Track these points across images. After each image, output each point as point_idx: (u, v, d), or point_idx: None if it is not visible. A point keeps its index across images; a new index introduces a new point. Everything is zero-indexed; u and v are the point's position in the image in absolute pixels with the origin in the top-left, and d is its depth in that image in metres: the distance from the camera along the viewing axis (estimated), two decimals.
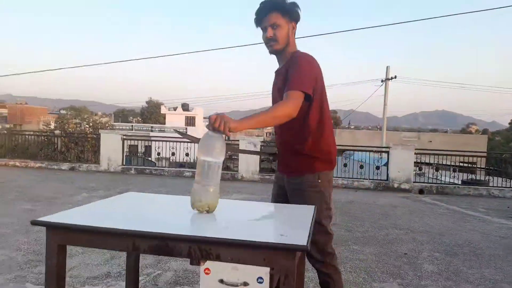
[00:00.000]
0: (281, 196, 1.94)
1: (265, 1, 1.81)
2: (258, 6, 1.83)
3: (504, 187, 8.25)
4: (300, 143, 1.83)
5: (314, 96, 1.78)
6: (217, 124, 1.39)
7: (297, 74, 1.73)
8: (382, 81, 20.42)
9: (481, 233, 4.53)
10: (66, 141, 10.97)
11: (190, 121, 47.30)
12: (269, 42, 1.82)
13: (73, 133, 14.38)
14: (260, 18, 1.82)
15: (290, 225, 1.44)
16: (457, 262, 3.40)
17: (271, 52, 1.88)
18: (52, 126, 18.52)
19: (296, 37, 1.91)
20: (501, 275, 3.11)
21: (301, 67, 1.75)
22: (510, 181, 8.87)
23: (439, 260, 3.43)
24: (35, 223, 1.26)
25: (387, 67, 20.45)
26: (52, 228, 1.28)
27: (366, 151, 10.08)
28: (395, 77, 20.27)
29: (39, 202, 5.10)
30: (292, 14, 1.82)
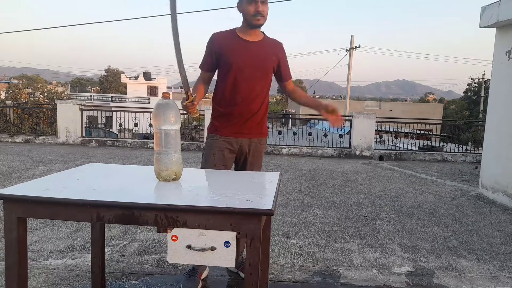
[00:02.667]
0: (230, 159, 2.16)
1: None
2: None
3: (456, 152, 8.79)
4: (264, 113, 2.19)
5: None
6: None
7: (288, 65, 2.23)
8: (346, 50, 20.64)
9: (434, 195, 4.85)
10: (19, 112, 10.34)
11: (153, 91, 45.91)
12: (258, 16, 1.97)
13: (26, 103, 13.57)
14: None
15: (255, 191, 1.47)
16: (411, 222, 3.64)
17: (254, 26, 2.02)
18: (2, 96, 17.34)
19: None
20: (450, 232, 3.37)
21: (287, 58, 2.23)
22: (462, 147, 9.46)
23: (396, 220, 3.65)
24: None
25: (351, 36, 20.66)
26: (11, 201, 1.23)
27: None
28: (359, 46, 20.54)
29: None
30: None
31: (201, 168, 2.13)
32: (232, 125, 2.11)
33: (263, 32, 2.13)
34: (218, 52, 2.06)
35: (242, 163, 2.20)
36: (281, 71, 2.17)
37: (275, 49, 2.14)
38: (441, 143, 10.19)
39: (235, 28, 2.11)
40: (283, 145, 8.75)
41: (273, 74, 2.18)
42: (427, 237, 3.21)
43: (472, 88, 37.17)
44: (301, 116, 19.92)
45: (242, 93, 2.05)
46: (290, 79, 2.24)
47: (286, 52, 2.21)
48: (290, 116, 20.05)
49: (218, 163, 2.11)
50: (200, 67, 2.14)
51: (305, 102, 2.26)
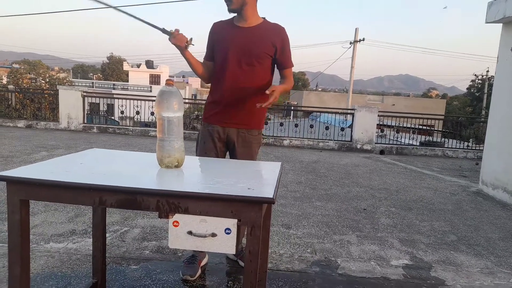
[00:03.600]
0: (221, 148, 2.15)
1: None
2: None
3: (457, 148, 8.78)
4: (256, 103, 2.03)
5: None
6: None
7: (289, 52, 2.12)
8: (350, 43, 20.49)
9: (434, 190, 4.87)
10: (21, 97, 10.33)
11: (155, 79, 45.75)
12: (226, 1, 1.99)
13: (28, 88, 13.55)
14: None
15: (257, 179, 1.48)
16: (411, 216, 3.65)
17: (229, 12, 2.02)
18: (4, 81, 17.30)
19: None
20: (449, 227, 3.39)
21: (289, 44, 2.11)
22: (463, 143, 9.45)
23: (395, 214, 3.67)
24: None
25: (356, 29, 20.48)
26: (14, 183, 1.23)
27: (332, 113, 10.27)
28: (363, 39, 20.39)
29: None
30: None
31: (196, 156, 2.14)
32: (219, 113, 2.09)
33: (264, 18, 2.08)
34: (213, 41, 2.10)
35: (232, 153, 2.17)
36: (277, 58, 2.07)
37: (271, 34, 2.03)
38: (443, 139, 10.17)
39: (234, 16, 2.09)
40: (284, 136, 8.75)
41: (271, 61, 2.08)
42: (425, 231, 3.23)
43: (476, 85, 36.94)
44: (303, 108, 19.89)
45: (227, 80, 2.02)
46: (287, 68, 2.12)
47: (288, 38, 2.09)
48: (292, 108, 20.00)
49: (209, 152, 2.12)
50: (205, 57, 2.17)
51: None
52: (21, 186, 1.24)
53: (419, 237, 3.07)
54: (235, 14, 2.06)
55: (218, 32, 2.09)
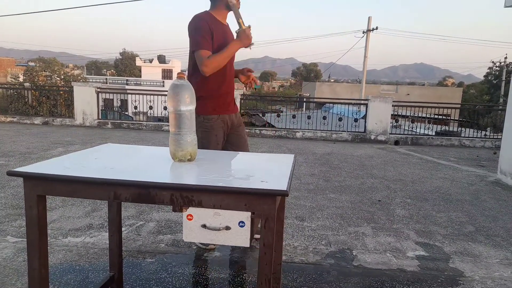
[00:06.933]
0: (224, 136, 2.34)
1: None
2: None
3: (474, 138, 8.59)
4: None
5: None
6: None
7: None
8: (363, 32, 20.17)
9: (451, 181, 4.78)
10: (37, 94, 10.52)
11: (167, 74, 45.99)
12: None
13: (44, 86, 13.78)
14: None
15: (270, 172, 1.47)
16: (427, 207, 3.60)
17: (232, 8, 2.17)
18: (20, 79, 17.63)
19: None
20: (466, 218, 3.33)
21: None
22: (481, 132, 9.24)
23: (411, 205, 3.62)
24: (11, 173, 1.23)
25: (368, 17, 20.13)
26: (31, 179, 1.25)
27: (345, 103, 10.15)
28: (376, 28, 20.04)
29: (13, 157, 4.98)
30: None
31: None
32: (223, 103, 2.29)
33: None
34: (212, 33, 2.18)
35: (232, 135, 2.38)
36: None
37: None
38: (459, 128, 9.97)
39: (208, 11, 2.23)
40: (297, 129, 8.70)
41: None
42: (442, 222, 3.18)
43: (493, 72, 35.91)
44: (315, 100, 19.72)
45: (226, 72, 2.25)
46: None
47: None
48: (305, 99, 19.85)
49: (220, 142, 2.29)
50: (205, 47, 2.13)
51: None
52: (38, 181, 1.25)
53: (436, 228, 3.02)
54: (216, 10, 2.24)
55: (214, 26, 2.19)
